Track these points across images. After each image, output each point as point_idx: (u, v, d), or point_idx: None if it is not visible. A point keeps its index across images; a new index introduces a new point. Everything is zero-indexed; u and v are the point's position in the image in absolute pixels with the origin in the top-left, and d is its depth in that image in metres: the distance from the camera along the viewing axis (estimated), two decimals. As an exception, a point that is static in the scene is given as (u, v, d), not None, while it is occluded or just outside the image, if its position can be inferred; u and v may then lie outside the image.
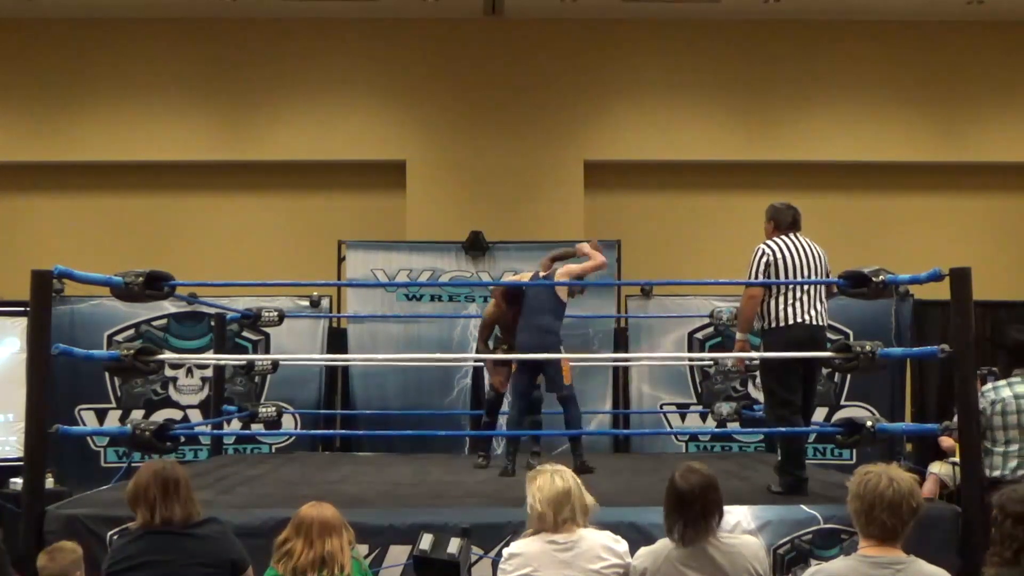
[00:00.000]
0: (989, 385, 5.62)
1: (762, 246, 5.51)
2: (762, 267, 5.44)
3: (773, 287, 5.41)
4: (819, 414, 8.84)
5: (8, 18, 10.19)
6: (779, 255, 5.44)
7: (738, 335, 5.66)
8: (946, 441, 7.05)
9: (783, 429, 5.46)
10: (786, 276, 5.40)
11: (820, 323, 5.44)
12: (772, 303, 5.43)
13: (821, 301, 5.47)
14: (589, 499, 3.79)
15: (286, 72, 10.31)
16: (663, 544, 3.68)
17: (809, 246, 5.53)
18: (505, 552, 3.79)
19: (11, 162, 10.24)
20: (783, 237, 5.54)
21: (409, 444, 8.19)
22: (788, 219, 5.60)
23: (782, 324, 5.39)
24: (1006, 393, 5.46)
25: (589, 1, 10.01)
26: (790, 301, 5.40)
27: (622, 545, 3.76)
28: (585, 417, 8.76)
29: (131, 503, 3.84)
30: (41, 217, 10.34)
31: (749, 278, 5.48)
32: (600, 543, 3.72)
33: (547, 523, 3.68)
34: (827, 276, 5.50)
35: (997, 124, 10.44)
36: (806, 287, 5.40)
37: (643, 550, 3.72)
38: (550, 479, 3.74)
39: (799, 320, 5.38)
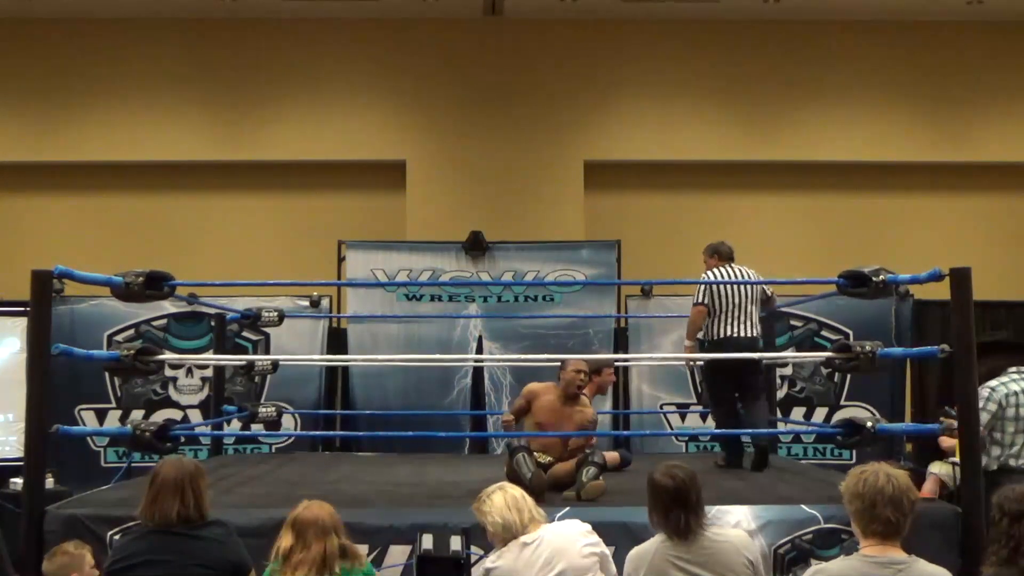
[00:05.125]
0: (995, 381, 5.82)
1: (707, 274, 6.71)
2: (703, 291, 6.58)
3: (715, 308, 6.54)
4: (819, 414, 8.87)
5: (8, 18, 10.18)
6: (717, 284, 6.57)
7: (686, 342, 6.75)
8: (946, 441, 7.04)
9: (778, 430, 5.54)
10: (724, 298, 6.52)
11: (752, 335, 6.54)
12: (714, 321, 6.54)
13: (753, 320, 6.56)
14: (539, 510, 3.96)
15: (286, 72, 10.30)
16: (653, 541, 3.70)
17: (742, 272, 6.66)
18: (480, 569, 3.81)
19: (11, 162, 10.24)
20: (722, 268, 6.67)
21: (409, 444, 8.19)
22: (726, 252, 6.78)
23: (720, 337, 6.51)
24: (1015, 387, 5.76)
25: (589, 1, 10.01)
26: (727, 320, 6.51)
27: (590, 528, 3.94)
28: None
29: None
30: (41, 217, 10.33)
31: (696, 298, 6.64)
32: (573, 530, 3.87)
33: (512, 530, 3.76)
34: (761, 292, 6.69)
35: (997, 124, 10.44)
36: (740, 307, 6.51)
37: (635, 549, 3.75)
38: (499, 492, 3.91)
39: (732, 335, 6.48)
